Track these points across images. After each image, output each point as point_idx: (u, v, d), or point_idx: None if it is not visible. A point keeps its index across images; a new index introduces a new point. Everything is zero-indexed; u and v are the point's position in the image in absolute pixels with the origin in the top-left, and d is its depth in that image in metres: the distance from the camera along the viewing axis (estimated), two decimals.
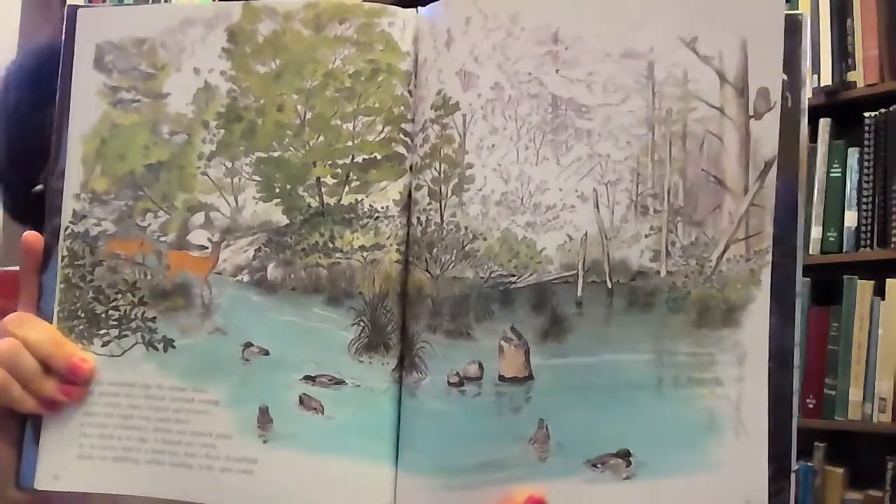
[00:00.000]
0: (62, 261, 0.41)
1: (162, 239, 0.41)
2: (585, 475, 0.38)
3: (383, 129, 0.40)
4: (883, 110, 1.65)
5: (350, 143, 0.40)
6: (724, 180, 0.38)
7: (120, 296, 0.41)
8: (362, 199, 0.39)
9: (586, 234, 0.38)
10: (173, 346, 0.40)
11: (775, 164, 0.37)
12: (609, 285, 0.39)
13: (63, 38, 0.42)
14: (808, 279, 1.69)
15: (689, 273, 0.38)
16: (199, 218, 0.40)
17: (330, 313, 0.39)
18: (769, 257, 0.37)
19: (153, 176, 0.41)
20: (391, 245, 0.39)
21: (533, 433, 0.38)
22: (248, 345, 0.40)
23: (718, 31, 0.37)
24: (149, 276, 0.41)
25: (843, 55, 1.71)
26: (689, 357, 0.38)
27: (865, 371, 1.60)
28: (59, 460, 0.40)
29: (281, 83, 0.40)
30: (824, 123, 1.73)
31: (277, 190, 0.40)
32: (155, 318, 0.40)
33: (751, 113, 0.38)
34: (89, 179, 0.41)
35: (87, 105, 0.42)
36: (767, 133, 0.37)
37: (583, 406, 0.39)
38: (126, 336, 0.41)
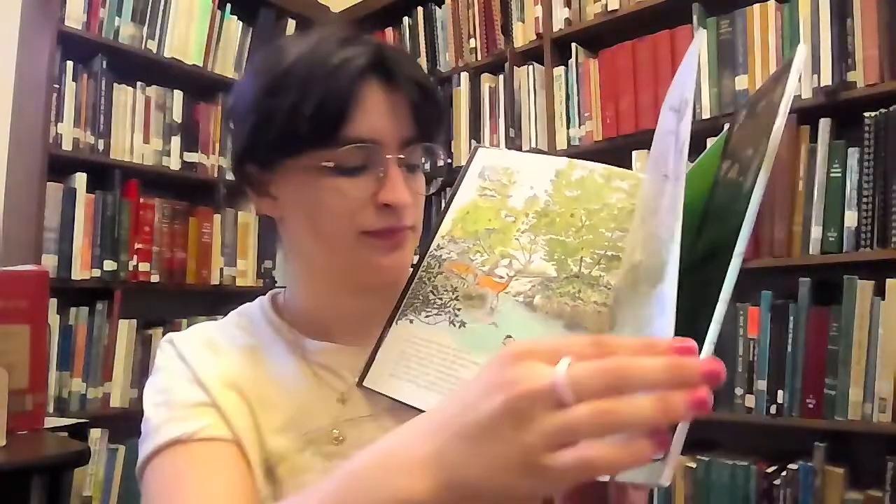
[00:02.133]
0: (422, 269, 0.70)
1: (480, 268, 0.68)
2: None
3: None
4: (883, 110, 1.58)
5: (606, 244, 0.65)
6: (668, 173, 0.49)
7: (445, 293, 0.68)
8: (603, 276, 0.64)
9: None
10: (465, 326, 0.65)
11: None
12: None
13: (466, 162, 0.76)
14: (808, 279, 1.64)
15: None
16: (504, 261, 0.67)
17: (565, 334, 0.62)
18: None
19: (487, 235, 0.69)
20: (609, 304, 0.62)
21: None
22: (509, 336, 0.63)
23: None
24: (465, 286, 0.68)
25: (843, 55, 1.66)
26: None
27: (865, 371, 1.50)
28: (381, 373, 0.65)
29: (577, 203, 0.68)
30: (824, 123, 1.67)
31: (556, 257, 0.66)
32: (460, 309, 0.65)
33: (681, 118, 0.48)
34: (452, 229, 0.71)
35: (467, 193, 0.73)
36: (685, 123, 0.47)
37: None
38: (440, 315, 0.66)
